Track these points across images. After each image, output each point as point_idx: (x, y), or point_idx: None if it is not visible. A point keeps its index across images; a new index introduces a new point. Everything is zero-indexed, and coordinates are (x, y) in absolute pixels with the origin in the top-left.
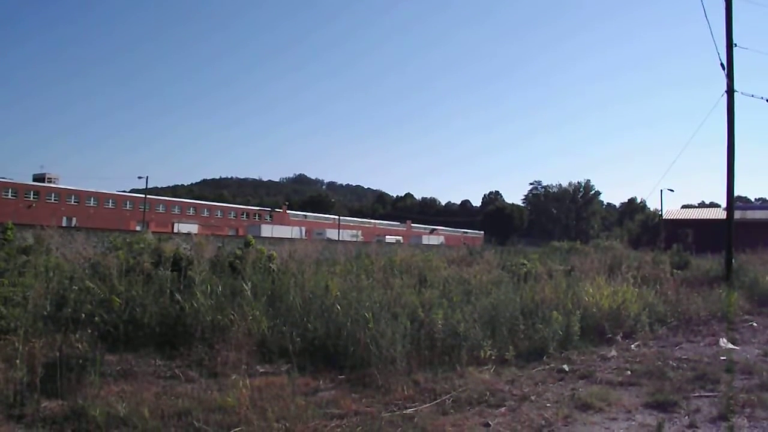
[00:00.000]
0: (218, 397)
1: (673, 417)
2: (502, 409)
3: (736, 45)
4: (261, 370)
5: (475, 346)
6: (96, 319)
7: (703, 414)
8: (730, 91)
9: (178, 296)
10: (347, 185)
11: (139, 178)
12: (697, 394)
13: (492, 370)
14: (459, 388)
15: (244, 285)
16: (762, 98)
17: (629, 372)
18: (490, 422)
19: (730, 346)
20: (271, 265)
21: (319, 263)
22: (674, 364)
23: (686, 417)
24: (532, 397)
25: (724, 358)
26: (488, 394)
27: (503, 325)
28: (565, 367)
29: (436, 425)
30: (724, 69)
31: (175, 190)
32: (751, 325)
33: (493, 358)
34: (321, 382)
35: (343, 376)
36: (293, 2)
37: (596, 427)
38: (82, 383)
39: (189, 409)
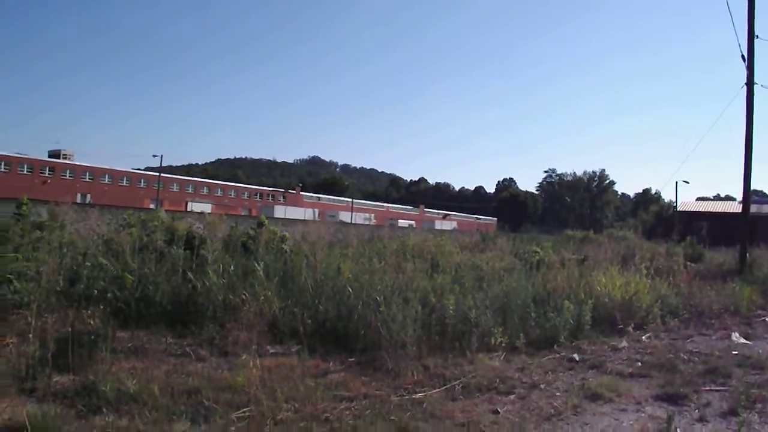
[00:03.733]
0: (228, 377)
1: (683, 410)
2: (512, 397)
3: (757, 36)
4: (271, 351)
5: (485, 333)
6: (108, 295)
7: (713, 408)
8: (750, 84)
9: (190, 275)
10: (361, 168)
11: (154, 156)
12: (707, 388)
13: (502, 358)
14: (469, 374)
15: (257, 265)
16: None
17: (640, 363)
18: (499, 409)
19: (743, 340)
20: (283, 246)
21: (331, 245)
22: (685, 357)
23: (696, 411)
24: (542, 386)
25: (736, 352)
26: (498, 381)
27: (514, 312)
28: (576, 356)
29: (445, 411)
30: (744, 61)
31: (189, 169)
32: (764, 320)
33: (503, 345)
34: (331, 364)
35: (353, 359)
36: None
37: (606, 418)
38: (94, 359)
39: (198, 387)
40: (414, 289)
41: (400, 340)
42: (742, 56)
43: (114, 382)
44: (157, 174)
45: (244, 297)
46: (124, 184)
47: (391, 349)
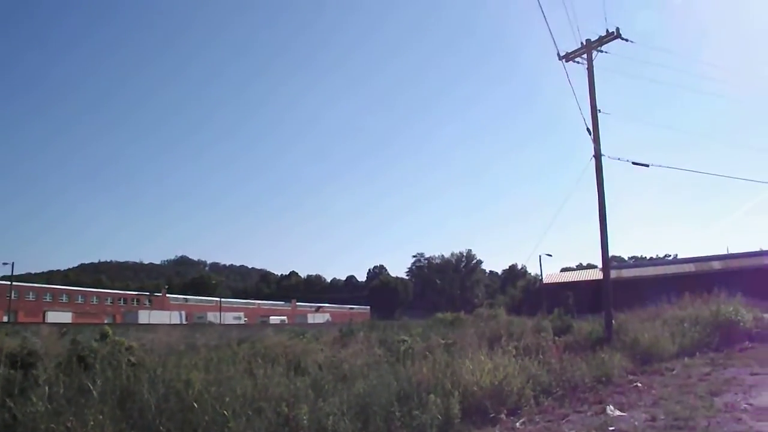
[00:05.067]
0: None
1: None
2: None
3: (600, 111)
4: None
5: None
6: None
7: None
8: (598, 156)
9: (9, 402)
10: (231, 266)
11: (5, 264)
12: None
13: None
14: None
15: (92, 384)
16: (627, 160)
17: None
18: None
19: (618, 412)
20: (131, 357)
21: (182, 353)
22: None
23: None
24: None
25: (613, 428)
26: None
27: (377, 414)
28: None
29: None
30: (590, 134)
31: (50, 276)
32: (636, 386)
33: None
34: None
35: None
36: (172, 77)
37: None
38: None
39: None
40: (269, 397)
41: None
42: (588, 130)
43: None
44: (9, 283)
45: (69, 424)
46: None
47: None
